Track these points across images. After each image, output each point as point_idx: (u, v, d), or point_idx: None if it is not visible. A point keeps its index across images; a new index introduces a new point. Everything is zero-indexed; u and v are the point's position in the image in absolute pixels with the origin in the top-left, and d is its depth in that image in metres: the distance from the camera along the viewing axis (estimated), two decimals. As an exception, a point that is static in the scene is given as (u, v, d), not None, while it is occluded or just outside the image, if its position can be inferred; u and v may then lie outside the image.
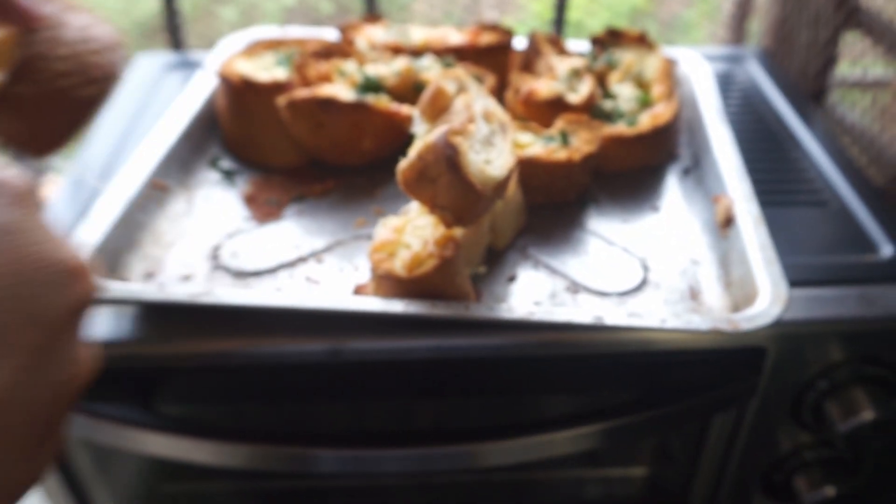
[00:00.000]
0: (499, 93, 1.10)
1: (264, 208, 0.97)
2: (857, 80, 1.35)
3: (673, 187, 1.02)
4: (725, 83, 1.31)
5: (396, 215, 0.84)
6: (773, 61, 1.39)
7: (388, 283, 0.77)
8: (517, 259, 0.89)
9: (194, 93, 1.09)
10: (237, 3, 1.60)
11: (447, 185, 0.75)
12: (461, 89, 0.87)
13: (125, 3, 1.57)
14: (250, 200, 0.98)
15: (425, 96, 0.84)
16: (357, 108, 0.97)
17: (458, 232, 0.79)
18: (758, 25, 1.56)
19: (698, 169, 1.03)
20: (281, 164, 1.04)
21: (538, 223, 0.94)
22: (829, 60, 1.31)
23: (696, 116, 1.10)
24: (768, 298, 0.77)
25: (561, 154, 0.94)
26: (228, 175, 1.02)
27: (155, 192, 0.93)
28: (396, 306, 0.75)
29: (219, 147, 1.07)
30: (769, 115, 1.22)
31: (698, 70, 1.17)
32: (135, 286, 0.78)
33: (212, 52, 1.22)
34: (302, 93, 0.98)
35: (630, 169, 1.03)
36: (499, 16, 1.71)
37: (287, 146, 1.03)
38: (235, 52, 1.13)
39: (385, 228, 0.82)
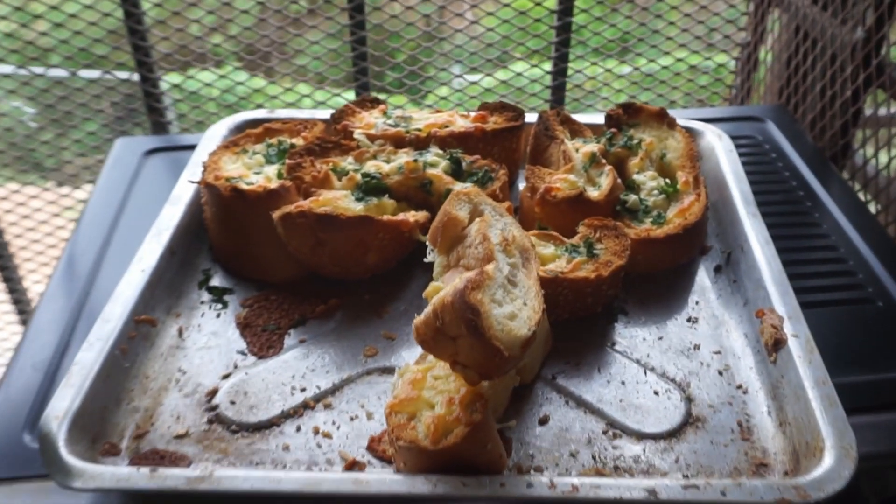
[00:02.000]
0: (510, 177, 1.02)
1: (262, 337, 0.88)
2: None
3: (706, 291, 0.93)
4: (740, 145, 1.22)
5: (414, 364, 0.76)
6: (790, 122, 1.31)
7: (411, 455, 0.69)
8: (546, 393, 0.81)
9: (176, 201, 0.99)
10: (207, 4, 1.52)
11: (469, 346, 0.66)
12: (475, 211, 0.78)
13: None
14: (246, 328, 0.89)
15: (436, 225, 0.76)
16: (360, 223, 0.88)
17: (484, 384, 0.71)
18: (768, 80, 1.47)
19: (732, 268, 0.94)
20: (278, 279, 0.95)
21: (564, 344, 0.86)
22: (851, 121, 1.23)
23: (722, 199, 1.02)
24: (834, 454, 0.69)
25: (588, 269, 0.85)
26: (220, 295, 0.93)
27: (141, 328, 0.84)
28: (423, 486, 0.67)
29: (208, 259, 0.98)
30: (793, 186, 1.14)
31: (721, 144, 1.09)
32: (124, 470, 0.69)
33: (197, 142, 1.13)
34: (298, 206, 0.89)
35: (658, 269, 0.95)
36: (468, 7, 1.60)
37: (283, 259, 0.93)
38: (220, 146, 1.03)
39: (402, 382, 0.73)
